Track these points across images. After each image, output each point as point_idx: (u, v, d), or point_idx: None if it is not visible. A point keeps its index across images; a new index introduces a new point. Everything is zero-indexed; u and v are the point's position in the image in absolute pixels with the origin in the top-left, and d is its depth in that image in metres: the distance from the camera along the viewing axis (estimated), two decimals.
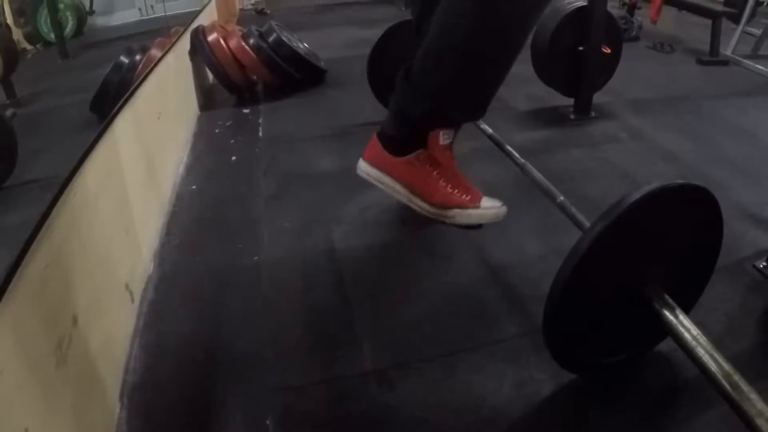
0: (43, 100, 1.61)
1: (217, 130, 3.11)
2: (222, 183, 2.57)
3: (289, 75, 3.38)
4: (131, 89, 2.05)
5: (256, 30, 3.50)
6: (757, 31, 5.25)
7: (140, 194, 1.99)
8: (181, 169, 2.67)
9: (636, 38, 5.27)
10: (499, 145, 2.15)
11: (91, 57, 2.16)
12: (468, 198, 1.57)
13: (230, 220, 2.25)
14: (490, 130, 2.24)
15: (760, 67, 4.73)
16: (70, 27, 1.96)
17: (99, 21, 2.23)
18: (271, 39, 3.40)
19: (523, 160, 2.01)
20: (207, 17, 4.16)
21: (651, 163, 2.66)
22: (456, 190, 1.56)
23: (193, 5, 3.98)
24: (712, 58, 4.83)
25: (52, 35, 1.82)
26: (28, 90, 1.53)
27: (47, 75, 1.79)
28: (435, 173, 1.55)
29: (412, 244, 2.04)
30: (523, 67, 3.12)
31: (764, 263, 1.85)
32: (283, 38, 3.38)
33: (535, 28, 3.03)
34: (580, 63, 3.03)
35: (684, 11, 5.63)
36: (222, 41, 3.30)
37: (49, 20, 1.81)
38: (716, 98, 3.82)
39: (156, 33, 2.78)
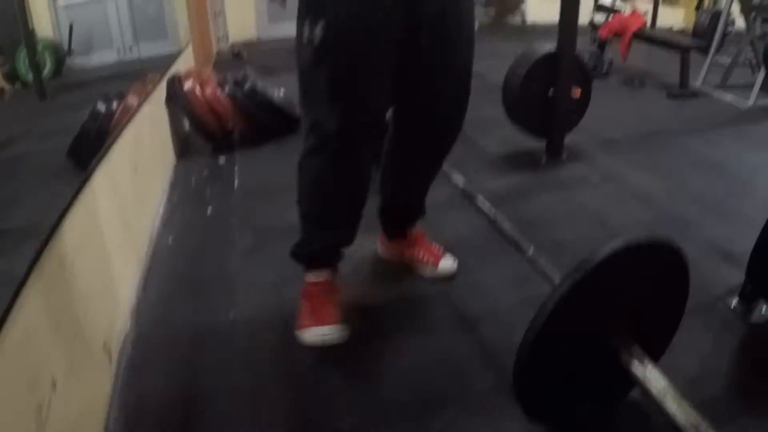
0: (20, 144, 1.60)
1: (193, 181, 3.11)
2: (198, 236, 2.56)
3: (264, 124, 3.41)
4: (108, 144, 2.06)
5: (232, 78, 3.53)
6: (727, 59, 5.37)
7: (118, 250, 1.99)
8: (158, 221, 2.67)
9: (607, 74, 5.36)
10: (470, 198, 2.18)
11: (69, 99, 2.15)
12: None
13: (207, 275, 2.24)
14: (461, 182, 2.28)
15: (729, 97, 4.83)
16: (48, 68, 1.95)
17: (77, 61, 2.23)
18: (246, 87, 3.43)
19: (494, 213, 2.04)
20: (184, 61, 4.19)
21: (622, 204, 2.70)
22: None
23: (171, 46, 4.01)
24: (682, 91, 4.93)
25: (31, 76, 1.82)
26: (5, 133, 1.53)
27: (25, 117, 1.78)
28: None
29: (388, 298, 2.05)
30: (496, 109, 3.20)
31: (735, 302, 1.88)
32: (258, 87, 3.41)
33: (507, 75, 3.10)
34: (551, 107, 3.08)
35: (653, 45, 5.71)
36: (197, 90, 3.33)
37: (27, 61, 1.81)
38: (686, 132, 3.89)
39: (133, 76, 2.79)
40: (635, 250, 1.31)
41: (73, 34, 2.15)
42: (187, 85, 3.33)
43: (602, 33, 5.64)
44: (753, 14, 5.15)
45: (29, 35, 1.84)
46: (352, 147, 1.69)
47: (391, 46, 1.61)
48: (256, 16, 7.72)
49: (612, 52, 5.59)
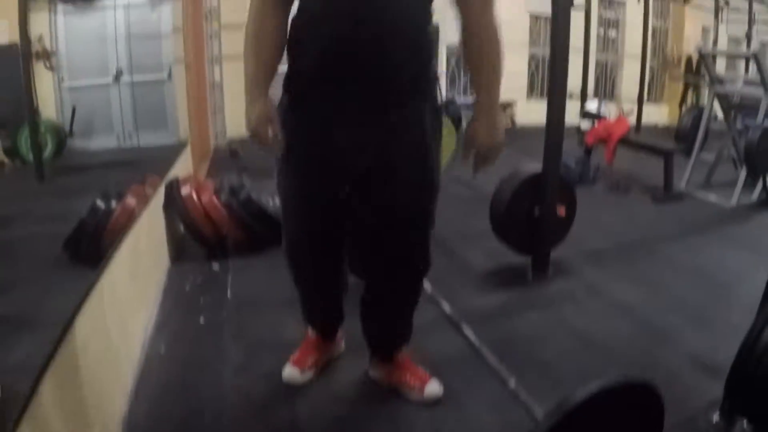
0: (16, 226, 1.63)
1: (186, 287, 3.14)
2: (190, 347, 2.57)
3: (258, 233, 3.47)
4: (108, 255, 2.09)
5: (228, 185, 3.63)
6: (711, 156, 5.54)
7: (112, 359, 2.02)
8: (150, 328, 2.68)
9: (593, 180, 5.50)
10: (456, 326, 2.24)
11: (68, 183, 2.21)
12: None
13: (198, 390, 2.23)
14: (447, 308, 2.34)
15: (713, 197, 4.97)
16: (49, 149, 2.02)
17: (78, 143, 2.30)
18: (242, 196, 3.52)
19: (478, 343, 2.09)
20: (183, 161, 4.29)
21: (607, 319, 2.75)
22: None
23: (170, 137, 4.12)
24: (666, 195, 5.07)
25: (31, 156, 1.88)
26: (2, 211, 1.56)
27: (22, 196, 1.82)
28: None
29: (373, 420, 2.06)
30: (483, 222, 3.29)
31: (717, 417, 1.87)
32: (253, 196, 3.51)
33: (494, 194, 3.21)
34: (537, 225, 3.17)
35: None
36: (195, 196, 3.41)
37: (29, 141, 1.87)
38: (670, 238, 4.00)
39: (132, 167, 2.84)
40: (609, 394, 1.36)
41: (75, 116, 2.22)
42: (185, 190, 3.41)
43: (588, 140, 5.82)
44: (733, 112, 5.38)
45: (33, 114, 1.90)
46: (301, 255, 1.95)
47: (334, 178, 1.75)
48: None
49: (598, 158, 5.74)
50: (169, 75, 4.19)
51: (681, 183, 5.26)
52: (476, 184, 4.58)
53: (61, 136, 2.15)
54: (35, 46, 1.95)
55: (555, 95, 3.09)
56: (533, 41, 10.29)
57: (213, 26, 7.15)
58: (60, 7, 2.20)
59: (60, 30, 2.16)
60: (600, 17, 10.87)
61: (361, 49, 1.56)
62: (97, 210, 2.27)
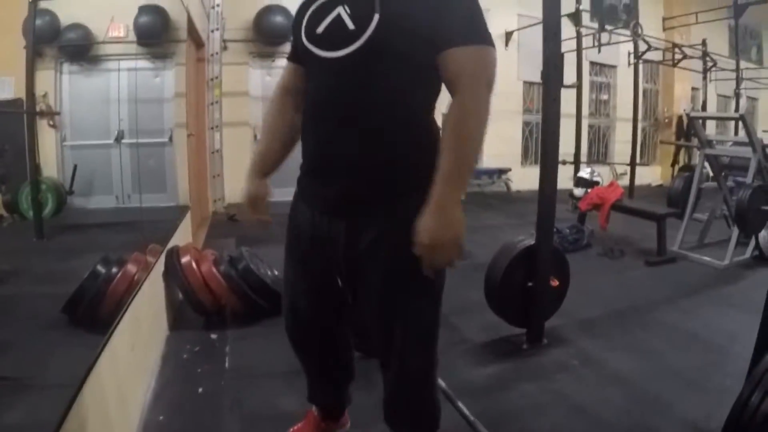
0: (14, 284, 1.63)
1: (185, 356, 3.16)
2: (188, 417, 2.57)
3: (257, 304, 3.51)
4: (110, 329, 2.11)
5: (228, 255, 3.69)
6: (704, 216, 5.61)
7: (111, 429, 2.03)
8: (149, 396, 2.70)
9: (588, 246, 5.56)
10: (450, 399, 2.27)
11: (66, 242, 2.23)
12: None
13: None
14: (442, 383, 2.37)
15: (707, 258, 5.02)
16: (49, 207, 2.05)
17: (77, 201, 2.32)
18: (240, 266, 3.56)
19: (473, 420, 2.12)
20: (183, 229, 4.34)
21: (601, 389, 2.76)
22: None
23: (169, 201, 4.16)
24: (659, 258, 5.13)
25: (31, 212, 1.92)
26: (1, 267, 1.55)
27: (21, 253, 1.85)
28: None
29: None
30: (478, 292, 3.33)
31: None
32: (252, 266, 3.56)
33: (488, 267, 3.26)
34: (531, 298, 3.21)
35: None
36: (194, 265, 3.46)
37: (30, 198, 1.91)
38: (664, 303, 4.02)
39: (131, 228, 2.86)
40: None
41: (76, 175, 2.24)
42: (185, 259, 3.46)
43: (582, 206, 5.91)
44: (723, 173, 5.49)
45: (35, 170, 1.94)
46: (297, 341, 1.99)
47: (321, 269, 1.75)
48: None
49: (592, 223, 5.82)
50: (170, 139, 4.26)
51: (674, 244, 5.32)
52: (472, 253, 4.67)
53: (62, 194, 2.18)
54: (40, 104, 2.00)
55: (547, 172, 3.18)
56: (527, 108, 10.51)
57: (214, 94, 7.33)
58: (66, 66, 2.26)
59: (65, 89, 2.22)
60: (591, 82, 11.15)
61: (344, 150, 1.57)
62: (97, 275, 2.29)
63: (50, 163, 2.15)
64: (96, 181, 2.63)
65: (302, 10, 1.66)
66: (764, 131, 11.93)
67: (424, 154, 1.53)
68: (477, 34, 1.50)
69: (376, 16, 1.47)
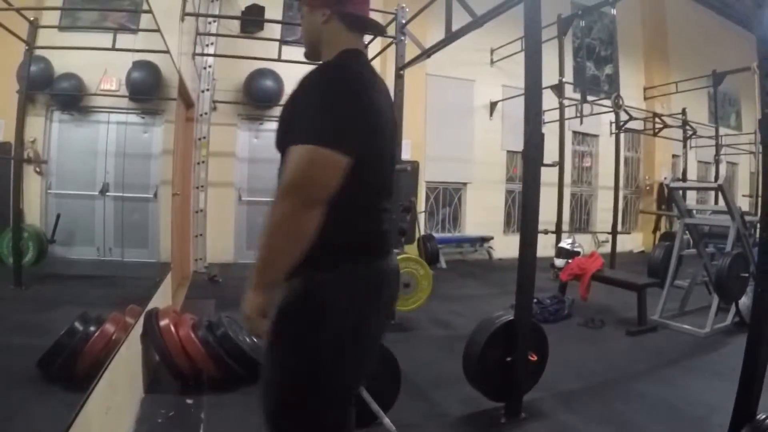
0: None
1: (159, 420, 3.06)
2: None
3: (234, 371, 3.46)
4: (86, 394, 2.06)
5: (206, 320, 3.64)
6: (685, 283, 5.65)
7: None
8: None
9: (568, 316, 5.55)
10: None
11: (45, 292, 2.16)
12: None
13: None
14: None
15: (687, 326, 5.03)
16: (30, 255, 1.99)
17: (58, 251, 2.24)
18: (219, 332, 3.52)
19: None
20: (163, 287, 4.28)
21: None
22: None
23: (150, 257, 4.12)
24: (640, 327, 5.13)
25: (11, 260, 1.86)
26: None
27: None
28: None
29: None
30: (457, 364, 3.29)
31: None
32: (231, 333, 3.52)
33: (467, 343, 3.27)
34: (510, 372, 3.19)
35: None
36: (173, 328, 3.41)
37: (11, 245, 1.86)
38: (644, 373, 4.00)
39: (111, 282, 2.81)
40: None
41: (59, 224, 2.17)
42: (164, 322, 3.41)
43: (563, 276, 5.95)
44: (704, 241, 5.57)
45: (18, 217, 1.91)
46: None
47: None
48: (234, 240, 8.08)
49: (573, 293, 5.81)
50: (155, 195, 4.26)
51: (656, 313, 5.34)
52: (450, 323, 4.67)
53: (43, 242, 2.11)
54: (28, 149, 1.98)
55: (526, 252, 3.22)
56: (510, 176, 10.66)
57: (201, 153, 7.39)
58: (56, 114, 2.26)
59: (54, 137, 2.20)
60: (574, 151, 11.37)
61: None
62: (75, 332, 2.26)
63: (33, 210, 2.11)
64: (78, 232, 2.59)
65: None
66: (744, 195, 12.36)
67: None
68: (307, 132, 1.51)
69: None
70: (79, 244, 2.64)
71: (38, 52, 2.02)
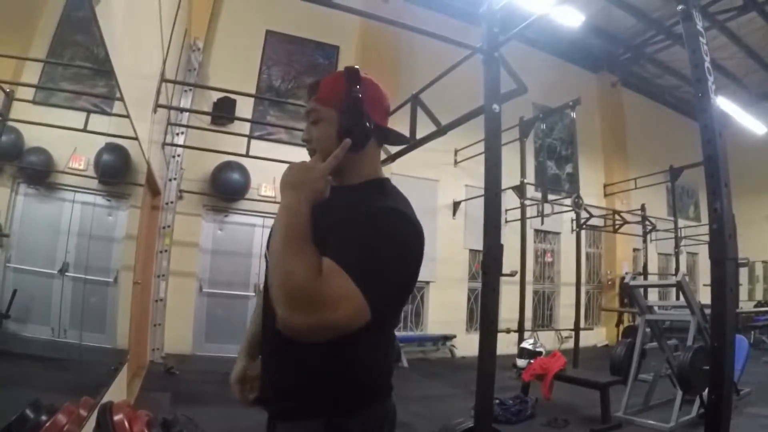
0: None
1: None
2: None
3: None
4: None
5: (162, 417, 3.54)
6: (649, 376, 5.65)
7: None
8: None
9: (532, 416, 5.47)
10: None
11: None
12: None
13: None
14: None
15: (652, 422, 5.01)
16: None
17: (11, 326, 2.18)
18: (174, 431, 3.43)
19: None
20: (118, 383, 4.15)
21: None
22: None
23: (106, 343, 3.99)
24: (604, 425, 5.10)
25: None
26: None
27: None
28: None
29: None
30: None
31: None
32: None
33: None
34: None
35: None
36: (127, 424, 3.27)
37: None
38: None
39: (64, 366, 2.70)
40: None
41: (15, 300, 2.11)
42: (117, 417, 3.28)
43: (525, 376, 5.97)
44: (665, 335, 5.63)
45: None
46: None
47: None
48: (194, 331, 7.87)
49: (536, 392, 5.78)
50: (116, 280, 4.20)
51: (620, 409, 5.31)
52: (412, 425, 4.60)
53: None
54: None
55: (485, 358, 3.27)
56: (473, 274, 10.69)
57: (165, 242, 7.33)
58: (23, 188, 2.23)
59: (18, 210, 2.18)
60: (536, 249, 11.55)
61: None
62: (25, 419, 2.18)
63: None
64: (34, 309, 2.52)
65: None
66: (705, 285, 12.57)
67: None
68: (362, 272, 1.40)
69: None
70: (34, 322, 2.56)
71: (10, 123, 2.03)
